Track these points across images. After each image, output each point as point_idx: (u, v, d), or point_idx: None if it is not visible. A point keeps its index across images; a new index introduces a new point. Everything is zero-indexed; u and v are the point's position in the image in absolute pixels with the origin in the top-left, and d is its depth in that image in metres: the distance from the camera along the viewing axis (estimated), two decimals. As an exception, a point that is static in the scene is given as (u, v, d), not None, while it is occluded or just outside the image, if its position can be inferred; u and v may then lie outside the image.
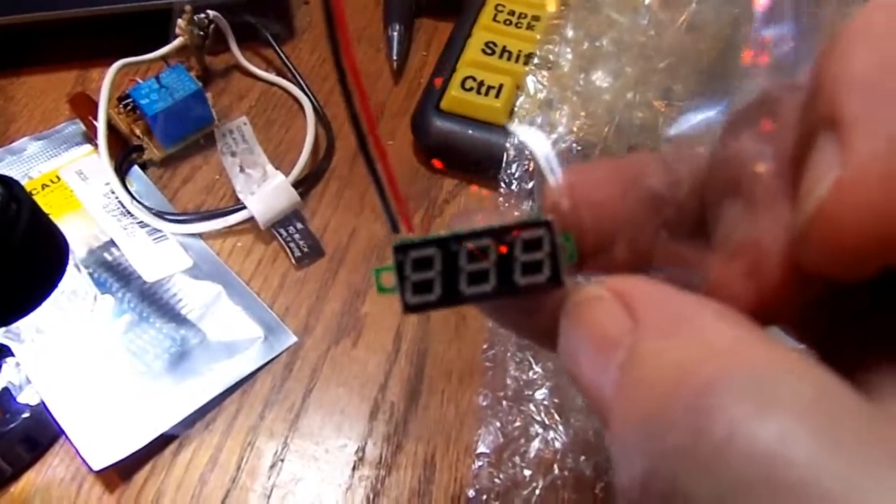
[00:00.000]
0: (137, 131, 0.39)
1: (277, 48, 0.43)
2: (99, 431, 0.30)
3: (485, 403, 0.31)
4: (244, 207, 0.37)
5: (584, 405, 0.30)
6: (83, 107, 0.40)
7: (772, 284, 0.13)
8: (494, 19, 0.41)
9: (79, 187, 0.38)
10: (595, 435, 0.29)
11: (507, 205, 0.34)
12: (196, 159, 0.40)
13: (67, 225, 0.36)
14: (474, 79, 0.39)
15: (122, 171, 0.38)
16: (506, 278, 0.14)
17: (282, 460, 0.31)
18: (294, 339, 0.34)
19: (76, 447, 0.30)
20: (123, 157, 0.39)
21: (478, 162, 0.36)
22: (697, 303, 0.13)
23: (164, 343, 0.33)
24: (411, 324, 0.34)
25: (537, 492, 0.28)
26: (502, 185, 0.34)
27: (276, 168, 0.38)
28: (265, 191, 0.37)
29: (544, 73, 0.36)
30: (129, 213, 0.37)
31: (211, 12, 0.42)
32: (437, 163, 0.39)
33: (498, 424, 0.30)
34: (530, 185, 0.33)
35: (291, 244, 0.36)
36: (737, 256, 0.13)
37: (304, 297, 0.35)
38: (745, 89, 0.15)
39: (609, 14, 0.36)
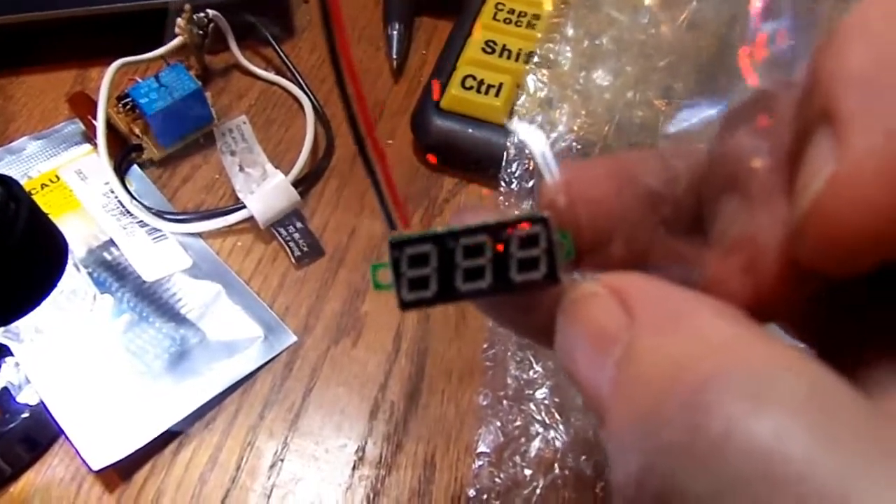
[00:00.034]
0: (137, 130, 0.39)
1: (277, 47, 0.43)
2: (98, 431, 0.30)
3: (485, 403, 0.31)
4: (244, 207, 0.37)
5: (584, 404, 0.30)
6: (82, 106, 0.40)
7: (768, 280, 0.13)
8: (494, 18, 0.41)
9: (78, 187, 0.38)
10: (595, 434, 0.29)
11: (507, 204, 0.34)
12: (195, 158, 0.40)
13: (67, 224, 0.36)
14: (474, 77, 0.39)
15: (121, 171, 0.38)
16: (502, 275, 0.14)
17: (282, 460, 0.31)
18: (294, 338, 0.34)
19: (76, 447, 0.30)
20: (123, 156, 0.39)
21: (478, 161, 0.36)
22: (694, 299, 0.13)
23: (163, 343, 0.33)
24: (411, 323, 0.34)
25: (538, 491, 0.28)
26: (502, 183, 0.34)
27: (276, 167, 0.38)
28: (265, 190, 0.37)
29: (544, 71, 0.36)
30: (128, 212, 0.37)
31: (210, 11, 0.41)
32: (431, 158, 0.39)
33: (498, 424, 0.30)
34: (530, 183, 0.33)
35: (291, 243, 0.36)
36: (733, 252, 0.13)
37: (304, 297, 0.35)
38: (742, 87, 0.15)
39: (609, 12, 0.36)
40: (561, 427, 0.29)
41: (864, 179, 0.11)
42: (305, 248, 0.36)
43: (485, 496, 0.29)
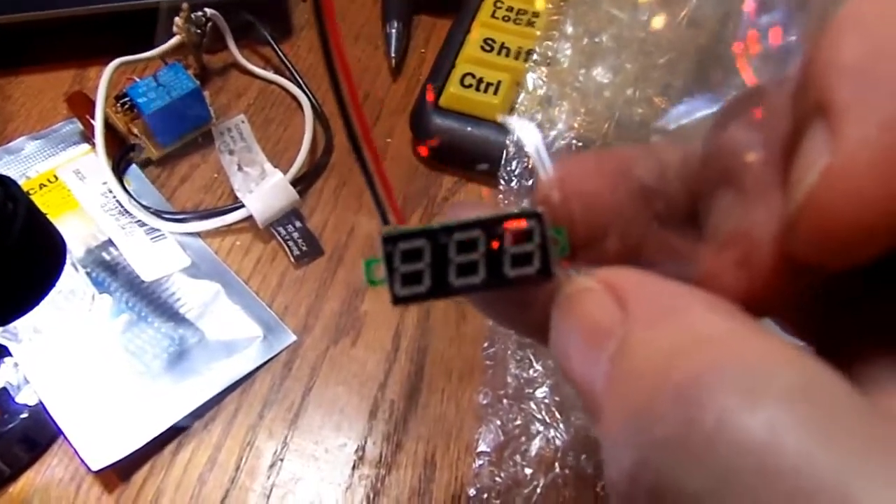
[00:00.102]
0: (135, 130, 0.39)
1: (275, 46, 0.43)
2: (97, 431, 0.30)
3: (485, 402, 0.31)
4: (242, 206, 0.37)
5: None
6: (80, 106, 0.40)
7: (763, 274, 0.13)
8: (493, 16, 0.41)
9: (76, 187, 0.38)
10: (596, 433, 0.29)
11: (506, 202, 0.34)
12: (194, 158, 0.40)
13: (65, 224, 0.36)
14: (473, 75, 0.38)
15: (119, 170, 0.38)
16: (495, 270, 0.14)
17: (281, 460, 0.31)
18: (293, 337, 0.34)
19: (75, 447, 0.30)
20: (121, 156, 0.39)
21: (477, 159, 0.36)
22: (689, 294, 0.13)
23: (162, 342, 0.33)
24: (411, 322, 0.34)
25: (538, 490, 0.28)
26: (502, 181, 0.34)
27: (275, 166, 0.38)
28: (263, 189, 0.37)
29: (544, 69, 0.36)
30: (126, 212, 0.37)
31: (208, 10, 0.41)
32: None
33: (498, 423, 0.30)
34: (530, 181, 0.33)
35: (290, 242, 0.36)
36: (727, 246, 0.13)
37: (303, 296, 0.35)
38: (736, 82, 0.15)
39: (609, 10, 0.36)
40: (561, 426, 0.29)
41: (859, 171, 0.11)
42: (304, 248, 0.36)
43: (485, 495, 0.29)
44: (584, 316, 0.13)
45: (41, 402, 0.31)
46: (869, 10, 0.11)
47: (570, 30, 0.36)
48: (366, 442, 0.31)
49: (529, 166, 0.34)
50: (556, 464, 0.29)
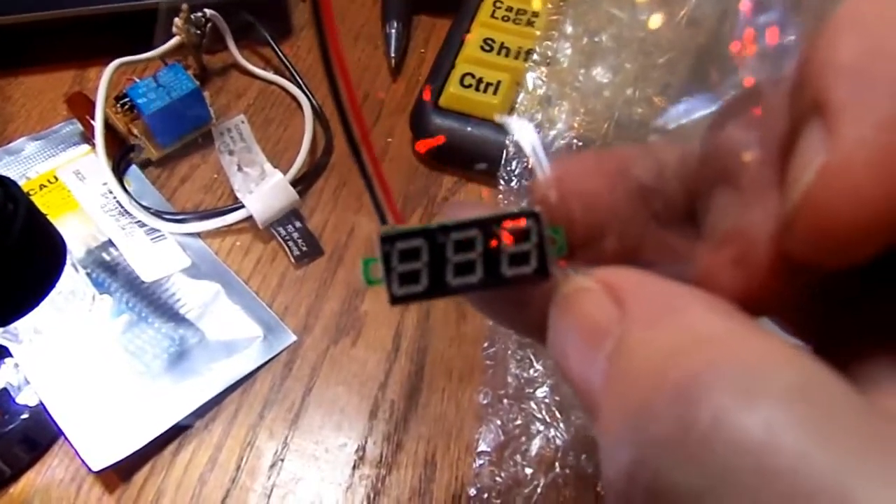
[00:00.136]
0: (135, 131, 0.39)
1: (275, 46, 0.43)
2: (98, 432, 0.30)
3: (485, 401, 0.31)
4: (242, 206, 0.37)
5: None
6: (80, 106, 0.40)
7: (760, 273, 0.13)
8: (493, 16, 0.41)
9: (76, 187, 0.38)
10: (596, 432, 0.29)
11: (506, 202, 0.34)
12: (194, 158, 0.40)
13: (65, 225, 0.36)
14: (473, 75, 0.39)
15: (119, 171, 0.38)
16: (493, 270, 0.14)
17: (282, 460, 0.31)
18: (293, 338, 0.34)
19: (75, 448, 0.30)
20: (121, 156, 0.39)
21: (477, 159, 0.36)
22: (687, 293, 0.13)
23: (162, 343, 0.33)
24: (411, 322, 0.34)
25: (539, 490, 0.28)
26: (501, 181, 0.34)
27: (275, 166, 0.38)
28: (263, 189, 0.37)
29: (543, 69, 0.36)
30: (127, 212, 0.37)
31: (208, 11, 0.41)
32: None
33: (499, 422, 0.30)
34: (530, 181, 0.33)
35: (290, 243, 0.36)
36: (724, 245, 0.13)
37: (304, 296, 0.35)
38: (733, 81, 0.15)
39: (609, 10, 0.36)
40: (562, 425, 0.29)
41: (855, 170, 0.11)
42: (304, 248, 0.36)
43: (485, 495, 0.29)
44: (582, 315, 0.13)
45: (42, 403, 0.31)
46: (866, 10, 0.11)
47: (569, 29, 0.36)
48: (366, 442, 0.31)
49: (529, 166, 0.34)
50: (557, 463, 0.29)
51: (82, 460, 0.30)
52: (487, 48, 0.40)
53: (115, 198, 0.37)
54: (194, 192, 0.39)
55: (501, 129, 0.37)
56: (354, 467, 0.31)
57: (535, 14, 0.41)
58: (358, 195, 0.38)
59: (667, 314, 0.12)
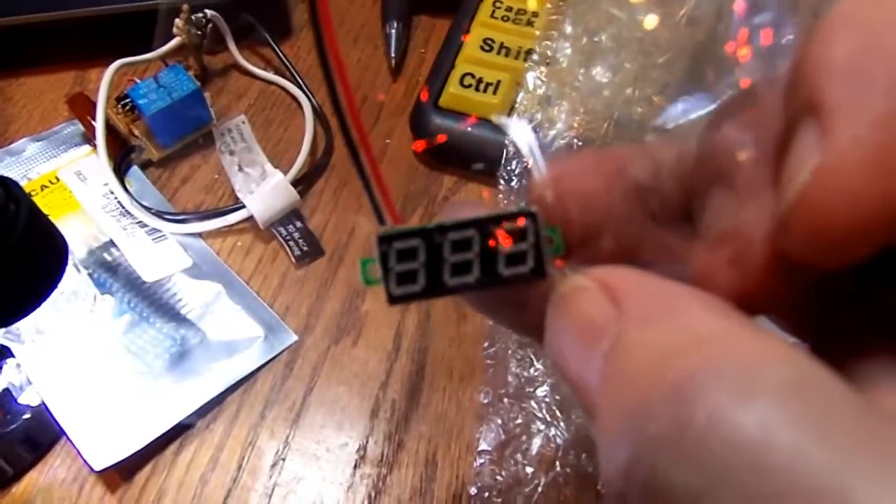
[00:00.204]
0: (136, 131, 0.39)
1: (276, 47, 0.43)
2: (100, 432, 0.30)
3: (486, 401, 0.31)
4: (243, 206, 0.37)
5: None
6: (82, 107, 0.40)
7: (755, 272, 0.13)
8: (492, 16, 0.41)
9: (78, 188, 0.38)
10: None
11: (506, 201, 0.34)
12: (195, 159, 0.40)
13: (67, 226, 0.36)
14: (472, 75, 0.39)
15: (120, 172, 0.38)
16: (490, 269, 0.14)
17: (283, 459, 0.31)
18: (294, 337, 0.34)
19: (77, 448, 0.30)
20: (122, 157, 0.39)
21: (477, 159, 0.36)
22: (684, 292, 0.13)
23: (164, 343, 0.33)
24: (412, 322, 0.34)
25: (539, 489, 0.28)
26: (501, 181, 0.34)
27: (275, 167, 0.38)
28: (264, 190, 0.37)
29: (543, 69, 0.36)
30: (128, 213, 0.37)
31: (209, 11, 0.41)
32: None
33: (499, 422, 0.30)
34: (528, 181, 0.33)
35: (291, 243, 0.36)
36: (720, 244, 0.13)
37: (305, 296, 0.35)
38: (729, 80, 0.15)
39: (608, 9, 0.36)
40: (562, 425, 0.29)
41: (850, 170, 0.11)
42: (305, 248, 0.36)
43: (486, 494, 0.29)
44: (579, 314, 0.13)
45: (44, 403, 0.31)
46: (860, 10, 0.11)
47: (569, 29, 0.36)
48: (367, 441, 0.31)
49: (529, 166, 0.34)
50: (557, 462, 0.29)
51: (84, 460, 0.30)
52: (487, 48, 0.40)
53: (116, 198, 0.37)
54: (195, 192, 0.39)
55: (501, 129, 0.37)
56: (355, 467, 0.31)
57: (535, 14, 0.41)
58: (358, 195, 0.38)
59: (663, 313, 0.12)
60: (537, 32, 0.39)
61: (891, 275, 0.13)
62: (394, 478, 0.30)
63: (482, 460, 0.29)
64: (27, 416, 0.31)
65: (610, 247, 0.15)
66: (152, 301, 0.34)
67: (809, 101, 0.11)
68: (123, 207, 0.37)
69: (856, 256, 0.11)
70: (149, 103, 0.38)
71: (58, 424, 0.31)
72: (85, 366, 0.32)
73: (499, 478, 0.29)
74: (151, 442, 0.30)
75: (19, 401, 0.31)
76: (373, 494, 0.30)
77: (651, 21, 0.33)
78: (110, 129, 0.39)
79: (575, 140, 0.34)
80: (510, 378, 0.31)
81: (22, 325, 0.31)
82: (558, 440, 0.29)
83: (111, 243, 0.36)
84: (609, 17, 0.36)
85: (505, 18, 0.41)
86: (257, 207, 0.36)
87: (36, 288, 0.29)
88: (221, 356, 0.33)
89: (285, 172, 0.38)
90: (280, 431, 0.32)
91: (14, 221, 0.27)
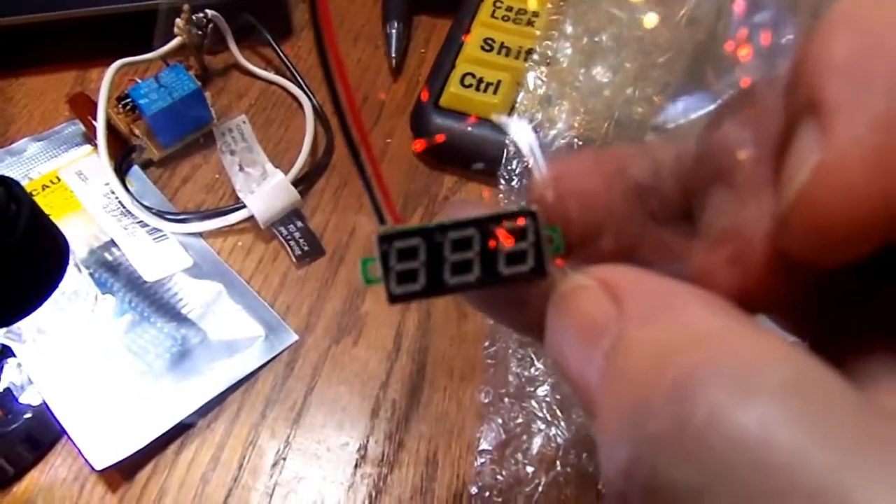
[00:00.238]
0: (137, 131, 0.39)
1: (276, 47, 0.43)
2: (101, 431, 0.30)
3: (487, 400, 0.31)
4: (244, 206, 0.37)
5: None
6: (82, 107, 0.40)
7: (755, 271, 0.13)
8: (493, 15, 0.41)
9: (79, 188, 0.38)
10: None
11: (506, 201, 0.34)
12: (195, 158, 0.40)
13: (68, 225, 0.36)
14: (473, 75, 0.39)
15: (121, 171, 0.38)
16: (490, 268, 0.14)
17: (284, 459, 0.31)
18: (295, 337, 0.34)
19: (78, 447, 0.30)
20: (123, 156, 0.39)
21: (477, 159, 0.36)
22: (684, 290, 0.13)
23: (165, 342, 0.33)
24: (412, 321, 0.34)
25: (540, 488, 0.28)
26: (502, 181, 0.34)
27: (276, 166, 0.38)
28: (265, 189, 0.37)
29: (543, 68, 0.36)
30: (129, 212, 0.37)
31: (209, 11, 0.42)
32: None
33: (500, 421, 0.30)
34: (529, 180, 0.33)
35: (291, 242, 0.36)
36: (720, 243, 0.13)
37: (305, 296, 0.35)
38: (728, 79, 0.15)
39: (608, 9, 0.36)
40: (562, 424, 0.29)
41: (850, 169, 0.11)
42: (306, 248, 0.36)
43: (487, 493, 0.29)
44: (579, 313, 0.13)
45: (45, 402, 0.31)
46: (860, 9, 0.11)
47: (569, 29, 0.36)
48: (368, 441, 0.31)
49: (529, 166, 0.34)
50: (558, 462, 0.29)
51: (85, 459, 0.30)
52: (487, 48, 0.40)
53: (117, 198, 0.37)
54: (196, 192, 0.39)
55: (502, 129, 0.37)
56: (356, 466, 0.31)
57: (535, 14, 0.41)
58: (359, 195, 0.38)
59: (664, 311, 0.12)
60: (538, 32, 0.39)
61: (890, 272, 0.13)
62: (394, 477, 0.30)
63: (483, 460, 0.29)
64: (28, 415, 0.31)
65: (610, 246, 0.16)
66: (153, 301, 0.34)
67: (809, 99, 0.11)
68: (124, 207, 0.37)
69: (856, 254, 0.11)
70: (150, 103, 0.38)
71: (59, 424, 0.31)
72: (86, 365, 0.32)
73: (499, 477, 0.29)
74: (152, 441, 0.30)
75: (20, 400, 0.31)
76: (373, 494, 0.30)
77: (651, 20, 0.33)
78: (111, 128, 0.39)
79: (575, 140, 0.34)
80: (511, 377, 0.31)
81: (23, 325, 0.31)
82: (559, 440, 0.29)
83: (112, 243, 0.36)
84: (609, 16, 0.36)
85: (505, 18, 0.41)
86: (258, 207, 0.36)
87: (37, 287, 0.29)
88: (222, 356, 0.33)
89: (286, 172, 0.38)
90: (281, 431, 0.32)
91: (15, 221, 0.27)
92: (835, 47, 0.11)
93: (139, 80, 0.39)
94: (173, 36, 0.41)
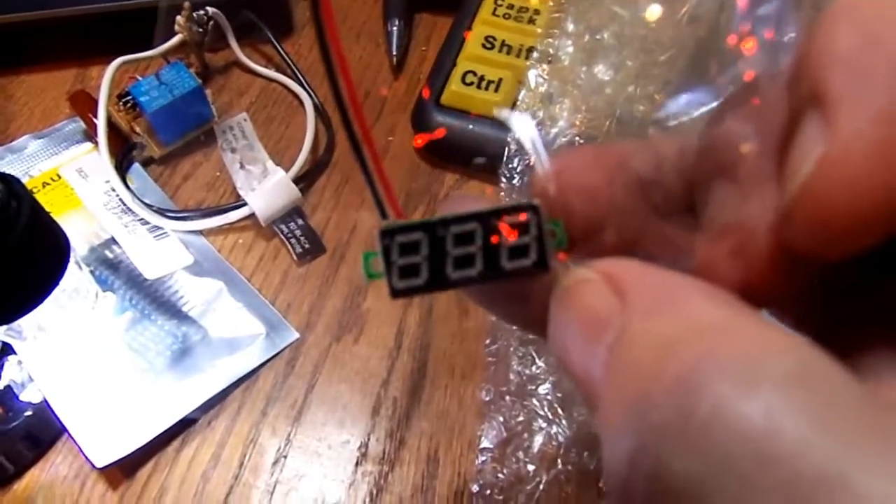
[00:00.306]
0: (137, 128, 0.39)
1: (277, 44, 0.43)
2: (101, 429, 0.30)
3: (487, 398, 0.31)
4: (245, 204, 0.37)
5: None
6: (83, 104, 0.40)
7: (758, 264, 0.13)
8: (494, 13, 0.41)
9: (79, 185, 0.38)
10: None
11: (507, 199, 0.34)
12: (196, 156, 0.40)
13: (68, 223, 0.36)
14: (474, 73, 0.39)
15: (122, 169, 0.38)
16: (492, 263, 0.14)
17: (284, 456, 0.31)
18: (296, 335, 0.34)
19: (79, 445, 0.30)
20: (124, 154, 0.39)
21: (478, 155, 0.36)
22: (687, 283, 0.13)
23: (165, 340, 0.33)
24: (413, 319, 0.34)
25: (541, 487, 0.28)
26: (503, 179, 0.34)
27: (277, 164, 0.38)
28: (265, 187, 0.37)
29: (545, 66, 0.36)
30: (129, 210, 0.37)
31: (210, 9, 0.41)
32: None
33: (501, 419, 0.30)
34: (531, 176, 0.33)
35: (292, 240, 0.36)
36: (722, 237, 0.13)
37: (306, 294, 0.35)
38: (731, 73, 0.15)
39: (610, 7, 0.36)
40: (564, 422, 0.29)
41: (853, 161, 0.11)
42: (307, 245, 0.36)
43: (488, 491, 0.29)
44: (583, 307, 0.13)
45: (45, 400, 0.31)
46: (863, 2, 0.11)
47: (571, 27, 0.36)
48: (369, 438, 0.31)
49: (531, 164, 0.34)
50: (559, 460, 0.29)
51: (86, 457, 0.30)
52: (489, 46, 0.40)
53: (117, 195, 0.37)
54: (197, 189, 0.39)
55: (503, 127, 0.37)
56: (357, 464, 0.31)
57: (537, 12, 0.41)
58: (360, 192, 0.38)
59: (667, 304, 0.12)
60: (539, 30, 0.39)
61: (893, 265, 0.13)
62: (395, 475, 0.30)
63: (484, 458, 0.29)
64: (29, 413, 0.31)
65: (613, 240, 0.15)
66: (154, 298, 0.34)
67: (813, 92, 0.11)
68: (125, 205, 0.37)
69: (859, 247, 0.11)
70: (150, 100, 0.38)
71: (59, 421, 0.31)
72: (86, 363, 0.32)
73: (500, 475, 0.29)
74: (153, 439, 0.30)
75: (21, 398, 0.31)
76: (374, 492, 0.30)
77: (653, 13, 0.32)
78: (112, 126, 0.39)
79: (577, 138, 0.34)
80: (512, 375, 0.31)
81: (24, 323, 0.31)
82: (560, 438, 0.29)
83: (113, 240, 0.36)
84: (611, 14, 0.36)
85: (507, 16, 0.41)
86: (259, 205, 0.36)
87: (37, 285, 0.29)
88: (223, 353, 0.33)
89: (287, 170, 0.38)
90: (282, 429, 0.32)
91: (16, 219, 0.27)
92: (838, 40, 0.11)
93: (140, 78, 0.39)
94: (174, 33, 0.41)
